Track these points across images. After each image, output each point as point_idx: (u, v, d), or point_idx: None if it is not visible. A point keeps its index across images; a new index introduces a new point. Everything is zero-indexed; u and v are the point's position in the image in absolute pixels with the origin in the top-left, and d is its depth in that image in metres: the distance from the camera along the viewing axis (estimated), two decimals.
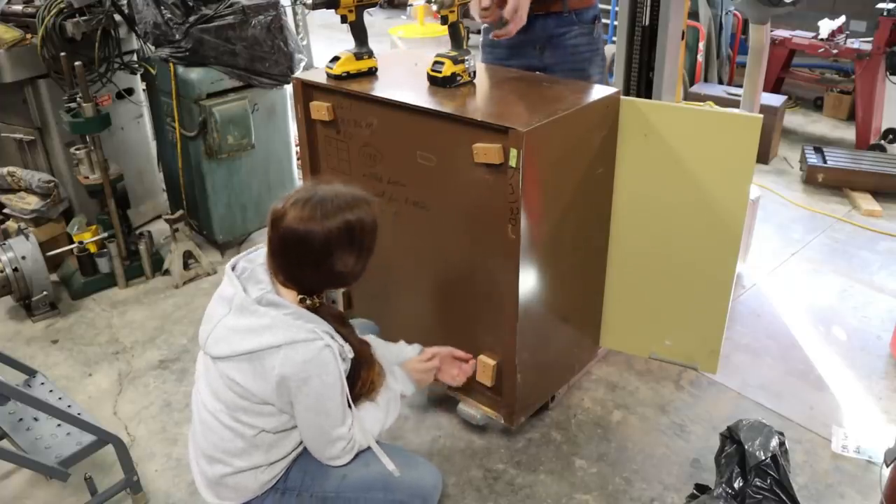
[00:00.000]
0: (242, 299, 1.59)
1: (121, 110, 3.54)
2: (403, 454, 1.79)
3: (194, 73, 3.16)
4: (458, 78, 2.14)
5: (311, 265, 1.58)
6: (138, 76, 3.59)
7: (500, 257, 1.98)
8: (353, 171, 2.28)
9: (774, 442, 1.91)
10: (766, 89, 4.40)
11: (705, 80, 5.36)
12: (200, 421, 1.68)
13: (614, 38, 2.56)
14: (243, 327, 1.57)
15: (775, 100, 4.60)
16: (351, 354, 1.65)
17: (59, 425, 2.07)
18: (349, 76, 2.22)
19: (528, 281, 2.02)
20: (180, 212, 3.33)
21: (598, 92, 2.11)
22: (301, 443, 1.70)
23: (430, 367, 1.97)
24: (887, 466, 1.61)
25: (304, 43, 5.44)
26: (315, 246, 1.55)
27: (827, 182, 4.16)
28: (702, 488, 2.04)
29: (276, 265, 1.62)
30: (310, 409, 1.59)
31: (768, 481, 1.85)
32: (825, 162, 4.20)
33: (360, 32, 2.24)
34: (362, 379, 1.72)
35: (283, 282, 1.63)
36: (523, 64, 2.49)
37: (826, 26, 4.80)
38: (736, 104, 4.10)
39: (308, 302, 1.62)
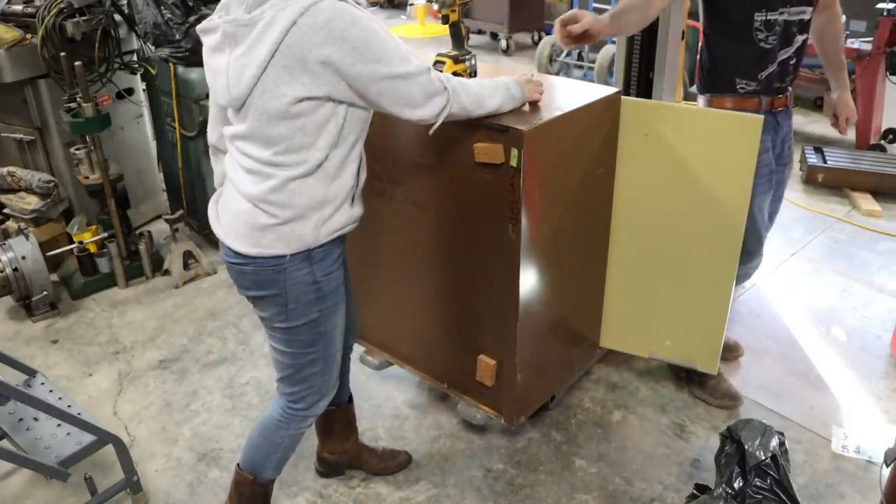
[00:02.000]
0: (228, 24, 1.49)
1: (121, 110, 3.54)
2: (335, 361, 1.83)
3: (194, 73, 3.15)
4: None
5: None
6: (138, 76, 3.59)
7: (500, 257, 1.98)
8: None
9: (774, 442, 1.91)
10: None
11: None
12: (246, 171, 1.58)
13: (614, 39, 2.54)
14: (249, 42, 1.45)
15: None
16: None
17: (59, 425, 2.07)
18: None
19: (528, 281, 2.02)
20: (180, 212, 3.33)
21: (599, 91, 2.11)
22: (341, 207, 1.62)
23: (539, 83, 1.95)
24: (887, 466, 1.61)
25: None
26: None
27: (827, 182, 4.16)
28: (702, 488, 2.04)
29: None
30: (368, 62, 1.47)
31: (768, 481, 1.85)
32: (825, 162, 4.20)
33: None
34: None
35: None
36: (768, 159, 2.38)
37: None
38: None
39: None
